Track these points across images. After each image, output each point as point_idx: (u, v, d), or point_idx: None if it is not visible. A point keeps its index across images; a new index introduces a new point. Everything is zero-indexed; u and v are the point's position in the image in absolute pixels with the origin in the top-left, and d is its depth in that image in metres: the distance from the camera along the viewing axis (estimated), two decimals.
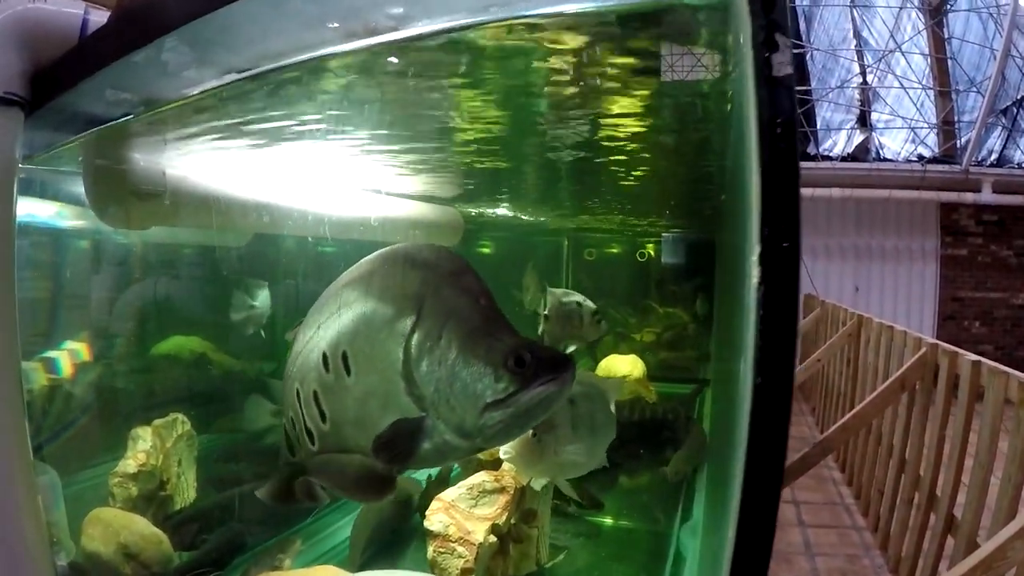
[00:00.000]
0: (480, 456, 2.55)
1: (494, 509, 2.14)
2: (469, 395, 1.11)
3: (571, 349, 3.46)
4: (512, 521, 2.23)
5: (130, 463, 2.35)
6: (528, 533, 2.37)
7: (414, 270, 1.23)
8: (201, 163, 2.00)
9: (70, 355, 2.41)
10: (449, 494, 2.14)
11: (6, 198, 1.56)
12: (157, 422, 2.45)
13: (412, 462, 1.21)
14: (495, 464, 2.40)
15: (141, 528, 2.14)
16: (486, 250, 5.03)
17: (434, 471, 2.73)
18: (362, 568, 2.26)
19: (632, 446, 3.33)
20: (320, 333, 1.32)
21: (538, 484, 2.30)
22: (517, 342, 1.12)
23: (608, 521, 2.97)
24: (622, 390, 3.27)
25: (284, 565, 2.17)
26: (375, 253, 1.33)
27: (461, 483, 2.19)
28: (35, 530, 1.62)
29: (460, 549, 2.02)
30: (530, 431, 2.02)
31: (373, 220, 2.84)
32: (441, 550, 2.04)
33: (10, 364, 1.58)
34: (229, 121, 1.60)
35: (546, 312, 3.21)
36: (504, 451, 2.08)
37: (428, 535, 2.06)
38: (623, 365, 3.85)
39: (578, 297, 3.28)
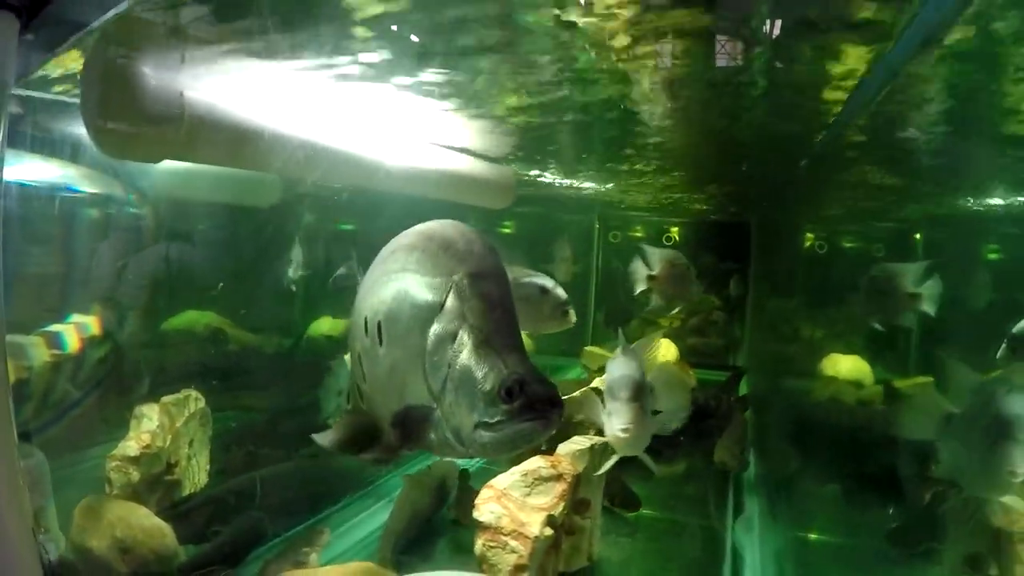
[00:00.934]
0: None
1: (550, 498, 1.88)
2: (467, 408, 1.14)
3: (677, 309, 3.71)
4: (565, 512, 1.98)
5: (131, 445, 2.06)
6: (581, 525, 2.12)
7: (447, 259, 1.24)
8: (230, 87, 1.67)
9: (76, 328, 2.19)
10: (501, 481, 1.88)
11: None
12: (166, 399, 2.16)
13: (420, 447, 1.25)
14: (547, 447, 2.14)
15: (141, 519, 1.86)
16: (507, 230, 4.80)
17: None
18: (398, 564, 2.00)
19: (674, 435, 3.10)
20: (367, 297, 1.35)
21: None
22: (514, 371, 1.13)
23: (656, 515, 2.72)
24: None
25: (310, 560, 1.89)
26: (423, 225, 1.34)
27: (514, 468, 1.92)
28: (18, 519, 1.37)
29: (513, 543, 1.76)
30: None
31: (425, 175, 2.56)
32: (492, 544, 1.78)
33: None
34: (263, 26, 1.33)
35: (655, 272, 3.31)
36: (623, 429, 1.87)
37: (477, 527, 1.80)
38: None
39: (684, 260, 3.41)
